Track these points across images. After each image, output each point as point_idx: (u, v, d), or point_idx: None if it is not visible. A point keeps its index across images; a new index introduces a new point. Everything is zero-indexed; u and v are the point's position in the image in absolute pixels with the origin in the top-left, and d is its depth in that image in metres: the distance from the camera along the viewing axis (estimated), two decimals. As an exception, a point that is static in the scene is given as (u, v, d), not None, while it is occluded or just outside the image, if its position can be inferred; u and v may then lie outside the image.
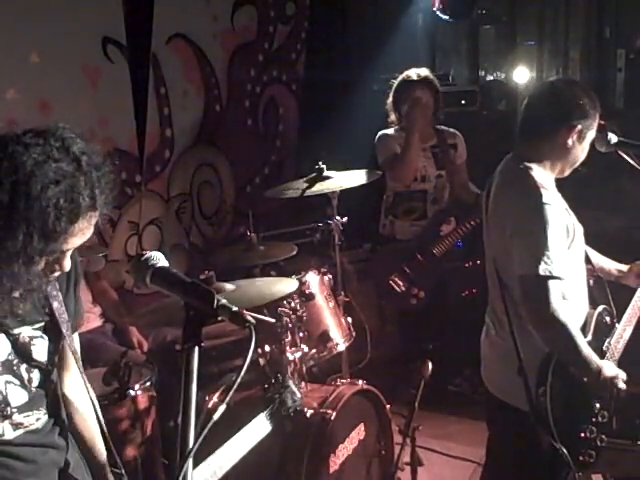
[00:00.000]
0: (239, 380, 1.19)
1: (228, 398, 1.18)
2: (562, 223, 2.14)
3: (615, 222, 4.07)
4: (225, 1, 4.80)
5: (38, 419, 1.52)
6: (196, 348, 1.21)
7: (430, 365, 2.74)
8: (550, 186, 2.22)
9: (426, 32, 5.71)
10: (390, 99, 3.94)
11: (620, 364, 2.29)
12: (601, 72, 5.40)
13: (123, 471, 1.75)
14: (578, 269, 2.29)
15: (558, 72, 5.57)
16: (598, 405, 2.23)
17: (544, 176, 2.23)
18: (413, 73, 3.87)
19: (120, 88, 4.03)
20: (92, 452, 1.72)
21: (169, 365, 2.88)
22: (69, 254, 1.41)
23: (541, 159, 2.26)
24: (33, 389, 1.51)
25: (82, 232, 1.37)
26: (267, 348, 2.63)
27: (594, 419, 2.22)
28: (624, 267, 2.56)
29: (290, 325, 2.71)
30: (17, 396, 1.48)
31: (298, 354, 2.67)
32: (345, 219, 3.34)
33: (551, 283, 2.06)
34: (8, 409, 1.46)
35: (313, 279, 3.03)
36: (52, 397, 1.58)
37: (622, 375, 2.21)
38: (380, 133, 3.94)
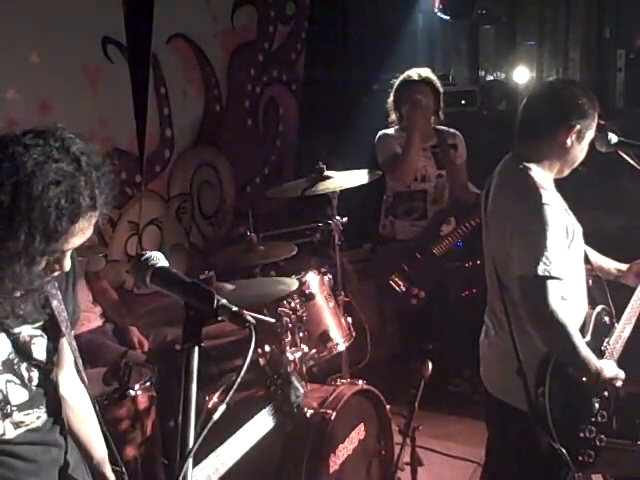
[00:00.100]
0: (239, 380, 1.19)
1: (228, 398, 1.18)
2: (561, 223, 2.14)
3: (615, 222, 4.07)
4: (225, 1, 4.80)
5: (38, 417, 1.53)
6: (196, 348, 1.21)
7: (430, 365, 2.74)
8: (549, 186, 2.22)
9: (426, 32, 5.72)
10: (391, 99, 3.94)
11: (619, 364, 2.29)
12: (601, 72, 5.40)
13: (124, 469, 1.76)
14: (577, 269, 2.29)
15: (558, 72, 5.58)
16: (597, 405, 2.23)
17: (543, 176, 2.23)
18: (414, 73, 3.87)
19: (120, 88, 4.03)
20: (89, 451, 1.72)
21: (169, 365, 2.89)
22: (69, 254, 1.42)
23: (540, 159, 2.26)
24: (33, 388, 1.51)
25: (82, 232, 1.38)
26: (267, 348, 2.63)
27: (593, 419, 2.22)
28: (624, 266, 2.57)
29: (290, 325, 2.71)
30: (17, 395, 1.48)
31: (298, 354, 2.67)
32: (345, 219, 3.34)
33: (550, 283, 2.06)
34: (8, 407, 1.46)
35: (313, 279, 3.03)
36: (52, 396, 1.59)
37: (621, 374, 2.22)
38: (380, 133, 3.94)
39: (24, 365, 1.49)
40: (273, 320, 2.59)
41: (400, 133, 3.88)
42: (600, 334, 2.30)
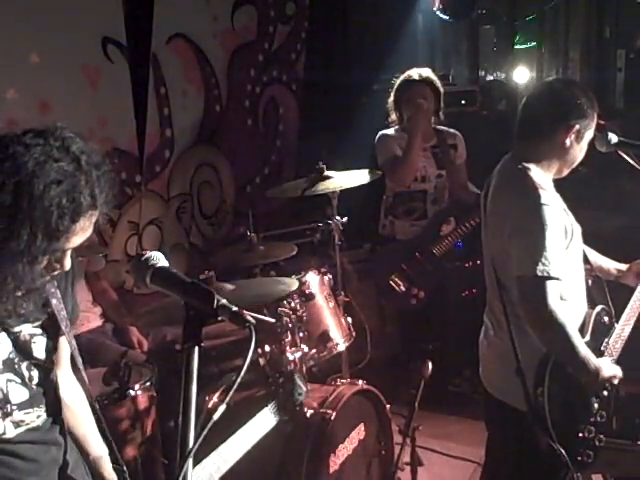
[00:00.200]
0: (239, 380, 1.19)
1: (228, 398, 1.18)
2: (560, 223, 2.14)
3: (615, 222, 4.07)
4: (225, 1, 4.80)
5: (39, 416, 1.53)
6: (196, 348, 1.21)
7: (430, 365, 2.74)
8: (548, 186, 2.22)
9: (426, 32, 5.72)
10: (391, 99, 3.94)
11: (619, 364, 2.29)
12: (601, 72, 5.41)
13: (125, 467, 1.76)
14: (576, 269, 2.29)
15: (558, 72, 5.59)
16: (596, 405, 2.23)
17: (542, 176, 2.23)
18: (415, 73, 3.87)
19: (120, 88, 4.03)
20: (85, 449, 1.72)
21: (169, 365, 2.89)
22: (69, 253, 1.43)
23: (539, 159, 2.26)
24: (34, 387, 1.52)
25: (83, 231, 1.39)
26: (267, 348, 2.63)
27: (592, 419, 2.22)
28: (623, 266, 2.57)
29: (290, 325, 2.71)
30: (18, 394, 1.48)
31: (298, 354, 2.66)
32: (345, 219, 3.34)
33: (549, 284, 2.06)
34: (8, 406, 1.46)
35: (313, 279, 3.03)
36: (52, 395, 1.59)
37: (620, 373, 2.22)
38: (380, 133, 3.94)
39: (24, 364, 1.50)
40: (273, 320, 2.59)
41: (400, 133, 3.88)
42: (599, 334, 2.30)
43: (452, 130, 4.00)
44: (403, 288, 3.84)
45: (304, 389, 2.23)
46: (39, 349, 1.52)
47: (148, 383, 2.69)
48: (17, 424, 1.48)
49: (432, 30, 5.73)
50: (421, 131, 3.77)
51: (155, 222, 4.40)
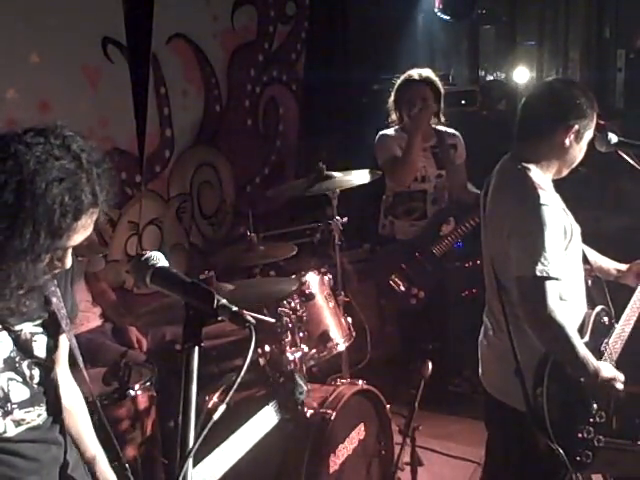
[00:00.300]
0: (239, 380, 1.19)
1: (228, 398, 1.18)
2: (559, 224, 2.14)
3: (615, 222, 4.08)
4: (225, 1, 4.80)
5: (39, 415, 1.53)
6: (196, 348, 1.21)
7: (430, 365, 2.74)
8: (548, 187, 2.22)
9: (426, 32, 5.72)
10: (392, 98, 3.94)
11: (619, 364, 2.29)
12: (601, 72, 5.41)
13: (127, 466, 1.76)
14: (576, 270, 2.29)
15: (558, 72, 5.58)
16: (595, 406, 2.23)
17: (542, 177, 2.23)
18: (415, 73, 3.87)
19: (120, 88, 4.03)
20: (79, 449, 1.72)
21: (169, 365, 2.89)
22: (70, 251, 1.43)
23: (539, 159, 2.26)
24: (34, 386, 1.52)
25: (85, 228, 1.40)
26: (267, 348, 2.64)
27: (591, 419, 2.22)
28: (623, 266, 2.57)
29: (290, 325, 2.71)
30: (19, 393, 1.48)
31: (298, 354, 2.67)
32: (345, 219, 3.34)
33: (548, 284, 2.06)
34: (9, 405, 1.46)
35: (313, 279, 3.03)
36: (52, 394, 1.59)
37: (620, 376, 2.21)
38: (380, 133, 3.94)
39: (25, 363, 1.50)
40: (273, 320, 2.59)
41: (400, 133, 3.88)
42: (599, 334, 2.30)
43: (451, 130, 4.00)
44: (403, 288, 3.84)
45: (305, 388, 2.24)
46: (40, 348, 1.53)
47: (148, 383, 2.70)
48: (18, 423, 1.48)
49: (432, 30, 5.72)
50: (421, 131, 3.77)
51: (155, 222, 4.40)
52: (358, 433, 2.85)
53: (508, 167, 2.32)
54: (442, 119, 3.96)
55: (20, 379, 1.49)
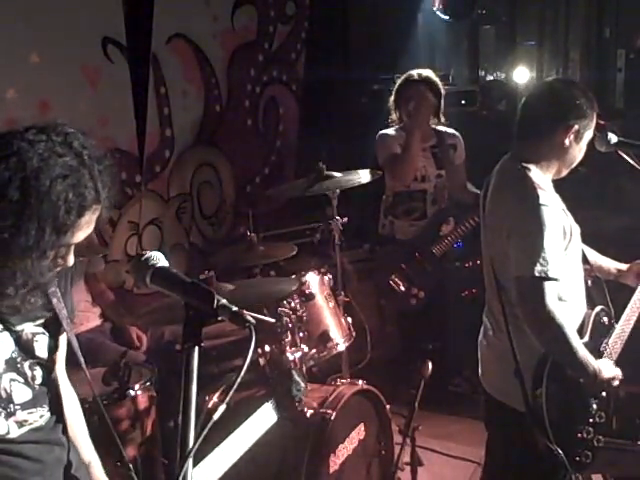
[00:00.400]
0: (239, 380, 1.19)
1: (228, 398, 1.18)
2: (559, 224, 2.14)
3: (615, 222, 4.07)
4: (225, 1, 4.80)
5: (42, 416, 1.53)
6: (196, 348, 1.21)
7: (430, 365, 2.74)
8: (547, 187, 2.22)
9: (426, 32, 5.72)
10: (392, 98, 3.95)
11: (618, 364, 2.29)
12: (601, 72, 5.41)
13: (130, 466, 1.76)
14: (575, 270, 2.29)
15: (558, 72, 5.58)
16: (595, 406, 2.23)
17: (541, 177, 2.23)
18: (415, 73, 3.88)
19: (120, 88, 4.03)
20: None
21: (169, 365, 2.89)
22: (73, 249, 1.43)
23: (539, 160, 2.26)
24: (36, 387, 1.51)
25: (88, 225, 1.41)
26: (267, 348, 2.64)
27: (591, 420, 2.22)
28: (623, 266, 2.56)
29: (290, 325, 2.71)
30: (21, 393, 1.48)
31: (298, 354, 2.67)
32: (345, 219, 3.34)
33: (547, 284, 2.06)
34: (11, 406, 1.46)
35: (313, 279, 3.03)
36: (54, 394, 1.59)
37: (619, 375, 2.21)
38: (380, 133, 3.94)
39: (27, 363, 1.49)
40: (273, 320, 2.59)
41: (400, 133, 3.89)
42: (599, 335, 2.30)
43: (451, 130, 4.00)
44: (403, 288, 3.84)
45: (302, 385, 2.23)
46: (41, 348, 1.52)
47: (148, 383, 2.69)
48: (20, 424, 1.48)
49: (432, 30, 5.72)
50: (420, 128, 3.78)
51: (155, 222, 4.39)
52: (358, 433, 2.85)
53: (508, 167, 2.32)
54: (442, 119, 3.97)
55: (22, 380, 1.48)
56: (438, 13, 5.31)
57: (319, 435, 2.61)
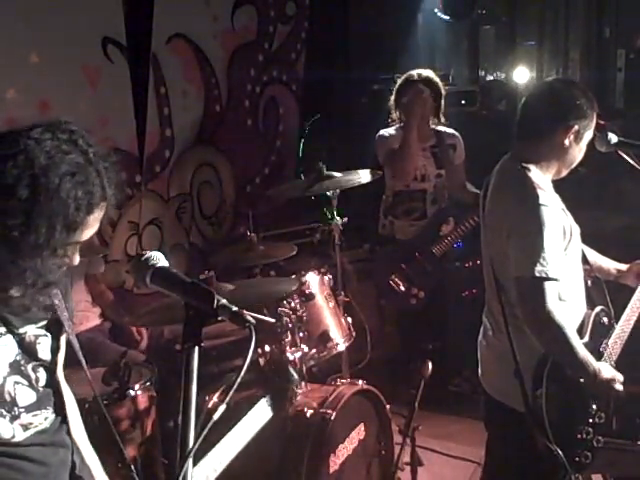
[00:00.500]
0: (239, 380, 1.19)
1: (228, 398, 1.18)
2: (559, 224, 2.14)
3: (615, 222, 4.08)
4: (225, 1, 4.80)
5: (46, 418, 1.52)
6: (196, 348, 1.21)
7: (430, 365, 2.74)
8: (547, 187, 2.22)
9: (426, 32, 5.72)
10: (392, 98, 3.95)
11: (618, 364, 2.28)
12: (601, 72, 5.42)
13: (132, 467, 1.76)
14: (575, 270, 2.29)
15: (558, 72, 5.59)
16: (595, 406, 2.22)
17: (541, 177, 2.23)
18: (415, 73, 3.88)
19: (120, 88, 4.03)
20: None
21: (169, 365, 2.89)
22: (78, 248, 1.43)
23: (539, 160, 2.25)
24: (40, 389, 1.51)
25: (95, 222, 1.41)
26: (267, 348, 2.64)
27: (591, 420, 2.22)
28: (623, 266, 2.56)
29: (290, 325, 2.71)
30: (25, 396, 1.47)
31: (298, 354, 2.67)
32: (345, 219, 3.34)
33: (547, 284, 2.06)
34: (16, 409, 1.45)
35: (313, 279, 3.03)
36: (57, 396, 1.58)
37: (619, 377, 2.21)
38: (380, 132, 3.95)
39: (30, 366, 1.49)
40: (273, 320, 2.59)
41: (399, 132, 3.89)
42: (599, 335, 2.29)
43: (451, 130, 4.00)
44: (403, 288, 3.84)
45: (296, 377, 2.23)
46: (44, 350, 1.52)
47: (148, 383, 2.69)
48: (25, 427, 1.47)
49: (432, 30, 5.73)
50: (417, 120, 3.78)
51: (155, 222, 4.40)
52: (358, 433, 2.85)
53: (508, 167, 2.32)
54: (442, 119, 3.97)
55: (26, 382, 1.47)
56: (438, 13, 5.31)
57: (319, 435, 2.61)
